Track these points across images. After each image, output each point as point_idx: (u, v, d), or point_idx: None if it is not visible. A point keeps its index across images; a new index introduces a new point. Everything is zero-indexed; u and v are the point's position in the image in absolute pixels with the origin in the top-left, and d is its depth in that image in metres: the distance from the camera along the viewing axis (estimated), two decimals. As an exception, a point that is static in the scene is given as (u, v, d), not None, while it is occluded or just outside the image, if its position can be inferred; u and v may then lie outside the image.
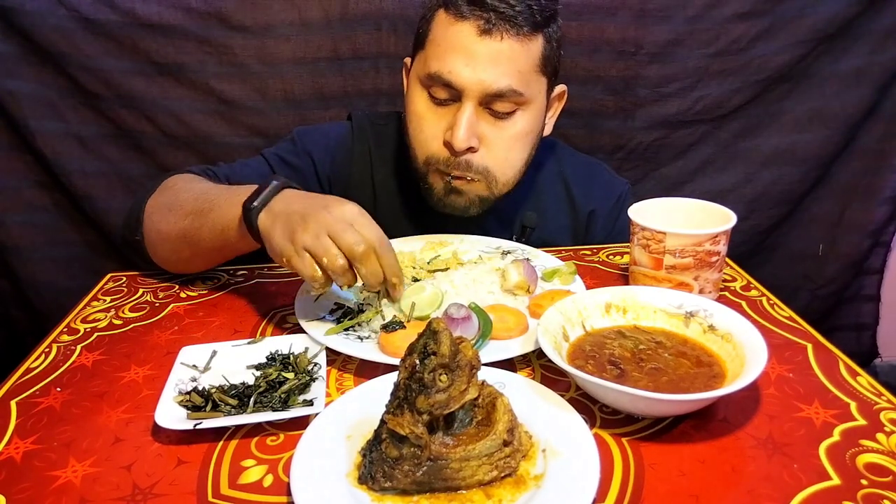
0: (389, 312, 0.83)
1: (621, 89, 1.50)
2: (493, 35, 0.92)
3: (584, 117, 1.51)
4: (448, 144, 0.98)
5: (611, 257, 1.10)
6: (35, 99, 1.41)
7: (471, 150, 0.98)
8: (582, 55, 1.45)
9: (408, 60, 1.08)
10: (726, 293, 0.94)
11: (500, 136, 0.99)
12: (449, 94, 0.97)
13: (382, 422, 0.58)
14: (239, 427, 0.67)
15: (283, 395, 0.70)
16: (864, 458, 0.61)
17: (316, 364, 0.76)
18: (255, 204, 0.80)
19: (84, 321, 0.91)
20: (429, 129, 1.00)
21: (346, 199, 0.79)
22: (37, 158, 1.46)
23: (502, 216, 1.15)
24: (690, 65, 1.48)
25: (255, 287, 1.00)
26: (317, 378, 0.73)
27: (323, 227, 0.75)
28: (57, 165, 1.46)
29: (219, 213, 0.87)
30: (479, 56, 0.93)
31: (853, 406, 0.68)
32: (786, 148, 1.57)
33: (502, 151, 1.00)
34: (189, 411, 0.68)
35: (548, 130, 1.11)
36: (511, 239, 1.10)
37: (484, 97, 0.95)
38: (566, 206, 1.19)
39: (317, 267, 0.75)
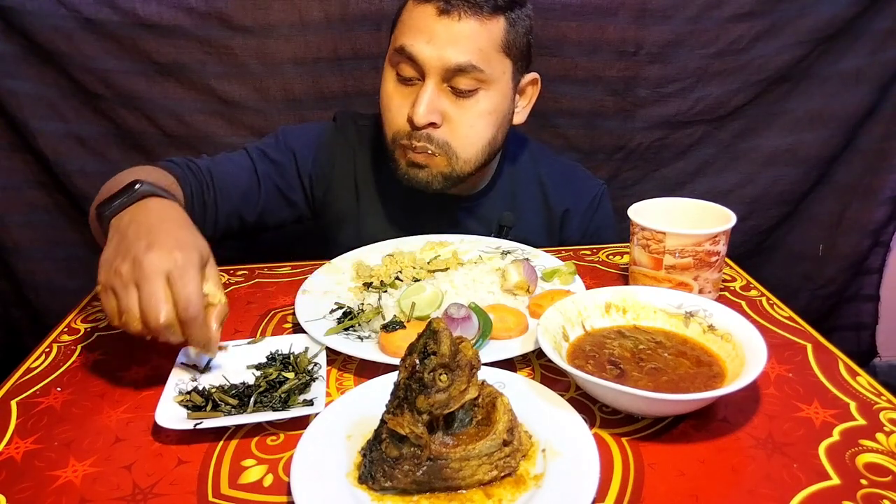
0: (389, 312, 0.84)
1: (621, 89, 1.50)
2: (452, 15, 0.97)
3: (584, 117, 1.51)
4: (410, 120, 1.01)
5: (611, 257, 1.10)
6: (35, 99, 1.41)
7: (433, 125, 1.01)
8: (582, 55, 1.45)
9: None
10: (726, 293, 0.94)
11: (462, 114, 1.02)
12: (414, 72, 1.00)
13: (382, 422, 0.58)
14: (239, 427, 0.67)
15: (283, 395, 0.70)
16: (863, 458, 0.61)
17: (316, 364, 0.76)
18: (107, 212, 0.78)
19: (84, 321, 0.91)
20: (395, 106, 1.04)
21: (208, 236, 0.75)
22: (37, 158, 1.47)
23: (481, 216, 1.17)
24: (690, 65, 1.48)
25: (255, 287, 1.00)
26: (317, 378, 0.73)
27: (132, 278, 0.68)
28: (57, 165, 1.46)
29: (92, 209, 0.86)
30: (438, 34, 0.97)
31: (853, 406, 0.68)
32: (786, 148, 1.57)
33: (464, 128, 1.03)
34: (189, 411, 0.68)
35: (519, 119, 1.12)
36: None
37: (445, 73, 0.98)
38: (541, 206, 1.21)
39: (117, 313, 0.69)
